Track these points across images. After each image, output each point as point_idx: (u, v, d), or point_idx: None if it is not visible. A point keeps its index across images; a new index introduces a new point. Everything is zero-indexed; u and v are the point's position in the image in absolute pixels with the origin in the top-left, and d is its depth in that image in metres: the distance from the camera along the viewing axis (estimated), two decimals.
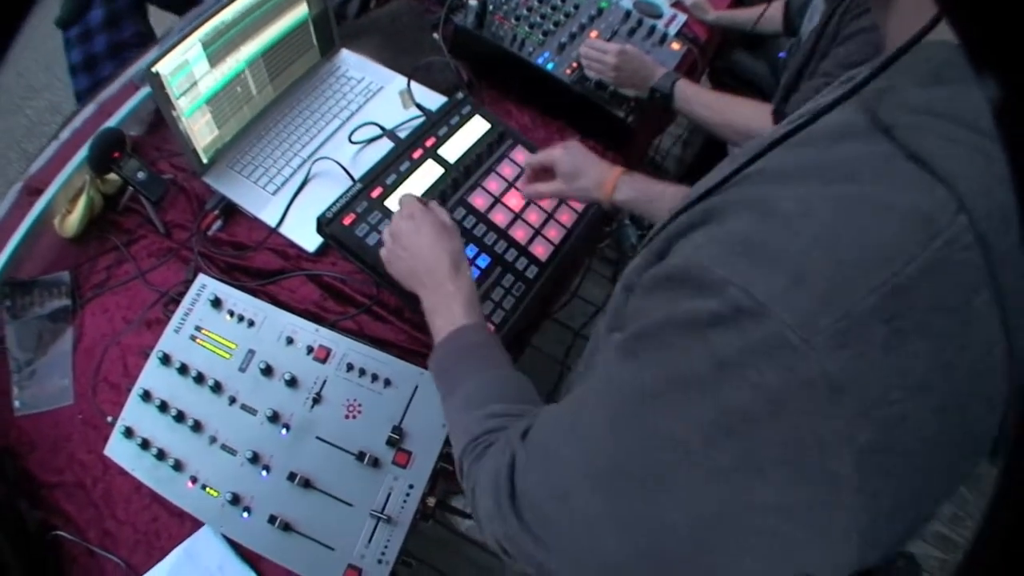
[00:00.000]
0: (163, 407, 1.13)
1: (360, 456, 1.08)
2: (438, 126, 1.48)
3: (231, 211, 1.48)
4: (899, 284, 0.43)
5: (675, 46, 2.00)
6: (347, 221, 1.28)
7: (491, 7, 1.79)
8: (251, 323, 1.20)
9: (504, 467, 0.65)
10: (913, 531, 0.53)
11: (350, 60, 1.79)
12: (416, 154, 1.41)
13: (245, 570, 1.07)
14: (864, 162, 0.49)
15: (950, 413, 0.45)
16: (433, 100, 1.67)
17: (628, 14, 2.00)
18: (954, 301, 0.44)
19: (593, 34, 1.86)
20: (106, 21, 2.10)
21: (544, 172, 1.30)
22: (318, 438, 1.10)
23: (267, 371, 1.14)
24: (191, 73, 1.36)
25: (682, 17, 2.27)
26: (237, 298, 1.22)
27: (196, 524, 1.11)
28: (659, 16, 2.19)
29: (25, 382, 1.29)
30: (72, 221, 1.44)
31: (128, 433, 1.13)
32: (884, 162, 0.48)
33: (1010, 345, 0.45)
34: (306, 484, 1.06)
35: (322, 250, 1.40)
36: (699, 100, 1.69)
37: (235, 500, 1.06)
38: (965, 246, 0.44)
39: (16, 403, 1.27)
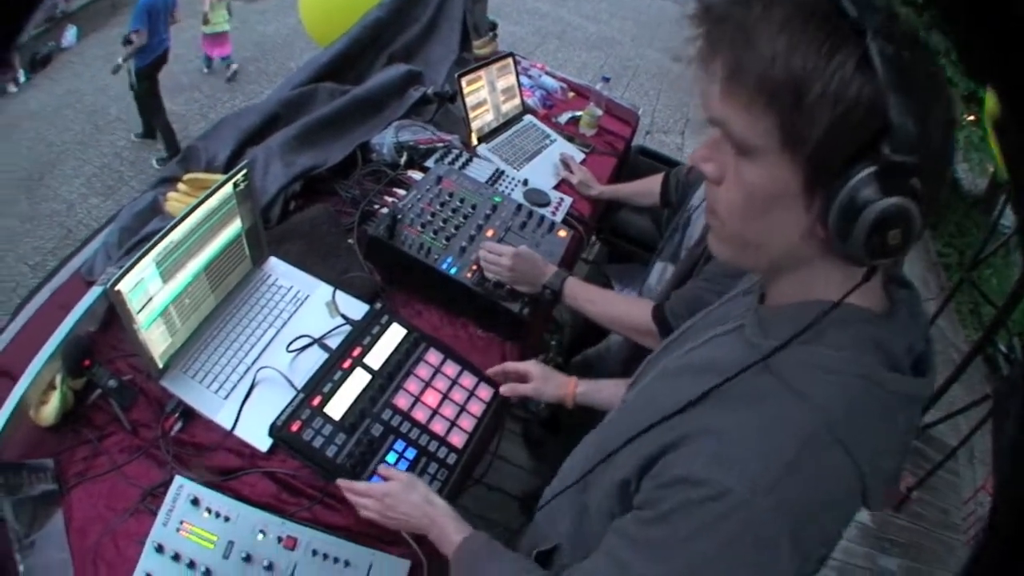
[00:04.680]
0: None
1: None
2: (362, 336, 1.97)
3: (188, 412, 1.90)
4: (790, 459, 0.89)
5: (561, 233, 2.53)
6: (295, 428, 1.74)
7: (399, 216, 2.29)
8: (227, 519, 1.64)
9: None
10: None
11: (278, 268, 2.30)
12: (345, 364, 1.90)
13: None
14: (760, 393, 0.97)
15: (828, 503, 0.94)
16: (355, 306, 2.19)
17: (519, 207, 2.54)
18: (817, 459, 0.91)
19: (489, 232, 2.39)
20: None
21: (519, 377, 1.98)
22: None
23: (247, 559, 1.58)
24: (147, 289, 1.77)
25: (568, 200, 2.82)
26: (212, 497, 1.67)
27: None
28: (547, 203, 2.74)
29: (27, 551, 1.57)
30: (47, 413, 1.77)
31: None
32: (772, 392, 0.96)
33: (857, 466, 0.92)
34: None
35: (273, 448, 1.84)
36: (585, 296, 2.21)
37: None
38: (818, 431, 0.91)
39: (21, 567, 1.55)
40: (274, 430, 1.75)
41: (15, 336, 2.04)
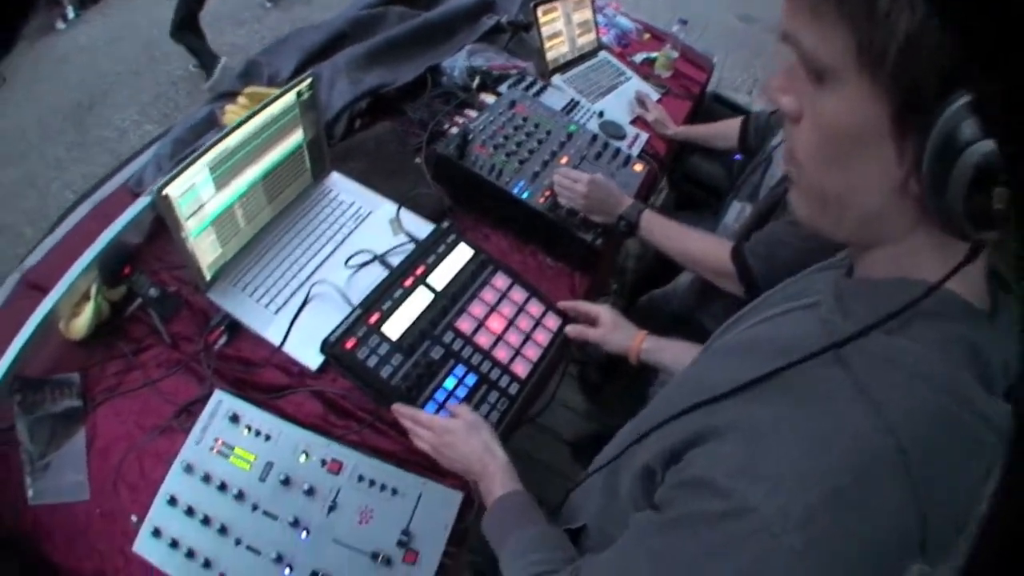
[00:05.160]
0: (189, 511, 1.34)
1: (374, 556, 1.32)
2: (427, 254, 1.74)
3: (235, 327, 1.70)
4: (839, 486, 0.67)
5: (637, 168, 2.28)
6: (349, 345, 1.53)
7: (471, 137, 2.06)
8: (268, 437, 1.43)
9: None
10: None
11: (340, 184, 2.07)
12: (408, 282, 1.67)
13: None
14: (823, 388, 0.74)
15: (877, 553, 0.68)
16: (419, 225, 1.95)
17: (595, 138, 2.30)
18: (874, 494, 0.68)
19: (563, 160, 2.15)
20: None
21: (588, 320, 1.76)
22: (335, 541, 1.33)
23: (286, 482, 1.37)
24: (199, 196, 1.58)
25: (644, 136, 2.57)
26: (253, 414, 1.46)
27: None
28: (623, 137, 2.49)
29: (39, 474, 1.42)
30: (79, 325, 1.60)
31: (156, 533, 1.32)
32: (838, 390, 0.73)
33: (921, 510, 0.69)
34: None
35: (323, 367, 1.63)
36: (662, 231, 1.96)
37: None
38: (885, 456, 0.67)
39: (30, 492, 1.40)
40: (326, 346, 1.54)
41: (52, 249, 1.84)
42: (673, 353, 1.59)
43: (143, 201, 1.83)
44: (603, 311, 1.74)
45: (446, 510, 1.41)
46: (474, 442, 1.40)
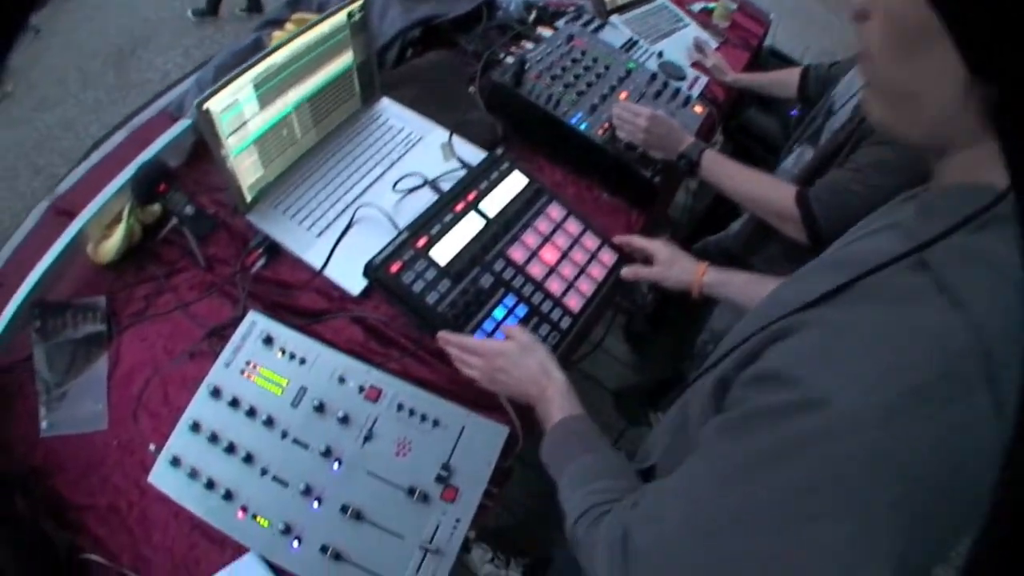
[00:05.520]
0: (213, 438, 1.19)
1: (410, 491, 1.16)
2: (479, 180, 1.57)
3: (274, 250, 1.54)
4: (916, 384, 0.58)
5: (697, 109, 2.09)
6: (394, 268, 1.37)
7: (528, 66, 1.87)
8: (303, 361, 1.27)
9: (617, 539, 0.79)
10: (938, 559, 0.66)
11: (390, 109, 1.89)
12: (459, 207, 1.51)
13: None
14: (905, 290, 0.66)
15: (958, 472, 0.58)
16: (471, 153, 1.77)
17: (654, 76, 2.10)
18: (959, 398, 0.58)
19: (623, 95, 1.95)
20: None
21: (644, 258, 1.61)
22: (369, 473, 1.17)
23: (320, 408, 1.21)
24: (241, 113, 1.44)
25: (704, 79, 2.39)
26: (288, 336, 1.30)
27: (237, 552, 1.14)
28: (683, 78, 2.30)
29: (54, 404, 1.30)
30: (108, 248, 1.46)
31: (175, 462, 1.18)
32: (920, 291, 0.64)
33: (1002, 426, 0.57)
34: (358, 516, 1.13)
35: (365, 293, 1.48)
36: (724, 171, 1.78)
37: (287, 530, 1.12)
38: (970, 356, 0.59)
39: (44, 424, 1.28)
40: (370, 270, 1.39)
41: (85, 175, 1.69)
42: (738, 285, 1.45)
43: (183, 123, 1.69)
44: (659, 246, 1.56)
45: (490, 445, 1.25)
46: (530, 362, 1.25)
